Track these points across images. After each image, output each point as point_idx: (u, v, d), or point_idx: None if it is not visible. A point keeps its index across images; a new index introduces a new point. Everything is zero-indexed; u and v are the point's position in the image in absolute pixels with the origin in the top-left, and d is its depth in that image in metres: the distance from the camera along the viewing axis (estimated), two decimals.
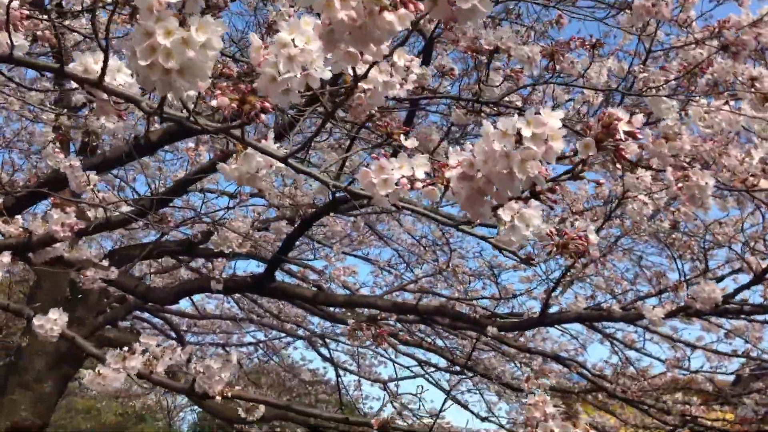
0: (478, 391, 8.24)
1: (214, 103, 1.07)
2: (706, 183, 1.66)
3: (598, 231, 3.52)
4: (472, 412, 7.43)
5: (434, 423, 2.06)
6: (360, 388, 9.91)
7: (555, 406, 2.15)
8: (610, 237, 4.62)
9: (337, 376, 8.17)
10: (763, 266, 2.83)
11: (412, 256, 6.23)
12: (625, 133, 0.92)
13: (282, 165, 1.32)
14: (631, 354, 6.52)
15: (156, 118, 1.15)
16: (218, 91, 1.08)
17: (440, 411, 2.38)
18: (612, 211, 3.37)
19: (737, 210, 3.87)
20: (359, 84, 1.24)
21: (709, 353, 5.91)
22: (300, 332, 8.66)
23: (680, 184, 1.67)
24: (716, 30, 2.55)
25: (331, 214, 4.49)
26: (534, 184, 0.99)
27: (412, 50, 4.99)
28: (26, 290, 7.73)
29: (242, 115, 1.09)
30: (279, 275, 6.66)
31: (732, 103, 2.25)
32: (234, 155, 1.35)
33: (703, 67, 2.27)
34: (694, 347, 5.40)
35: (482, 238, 1.26)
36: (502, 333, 4.35)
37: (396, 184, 1.10)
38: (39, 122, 4.51)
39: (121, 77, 1.18)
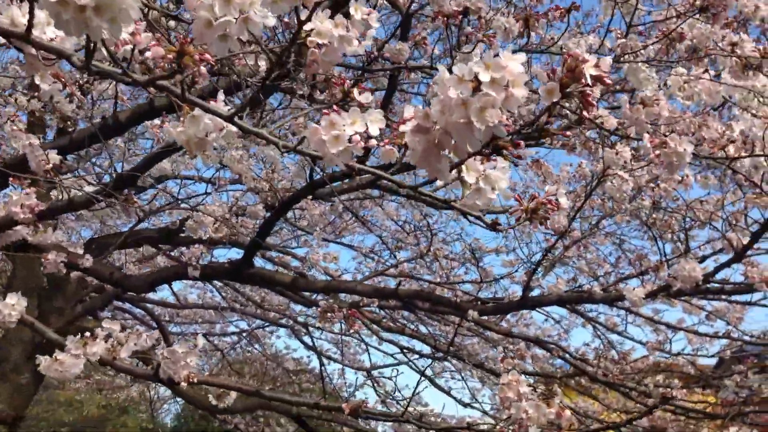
0: (462, 378, 8.17)
1: (148, 54, 0.98)
2: (684, 149, 1.58)
3: (578, 212, 3.45)
4: (455, 399, 7.38)
5: (407, 405, 1.97)
6: (344, 376, 9.84)
7: (533, 388, 2.08)
8: (591, 218, 4.55)
9: (321, 364, 8.08)
10: (744, 243, 2.77)
11: (395, 242, 6.14)
12: (593, 77, 0.83)
13: (233, 128, 1.23)
14: (614, 338, 6.50)
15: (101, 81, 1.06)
16: (153, 42, 0.98)
17: (414, 393, 2.30)
18: (593, 189, 3.30)
19: (719, 192, 3.83)
20: (314, 40, 1.15)
21: (691, 335, 5.89)
22: (283, 321, 8.57)
23: (657, 152, 1.59)
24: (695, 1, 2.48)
25: (310, 198, 4.38)
26: (495, 137, 0.90)
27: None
28: (4, 281, 7.59)
29: (180, 67, 0.99)
30: (260, 262, 6.58)
31: (712, 73, 2.17)
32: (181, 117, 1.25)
33: (682, 31, 2.19)
34: (675, 329, 5.37)
35: (445, 202, 1.17)
36: (483, 317, 4.28)
37: (348, 141, 1.01)
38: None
39: (51, 31, 1.08)
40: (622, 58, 2.25)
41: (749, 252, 2.94)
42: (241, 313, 8.49)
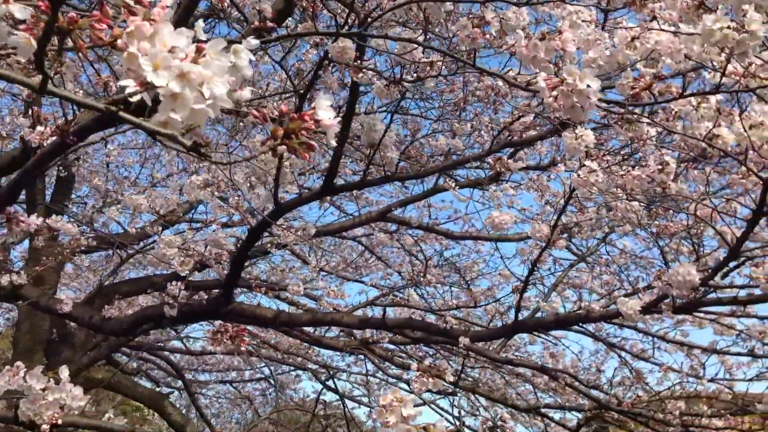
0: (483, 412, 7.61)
1: None
2: (588, 86, 1.18)
3: (558, 218, 3.02)
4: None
5: None
6: (372, 417, 9.35)
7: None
8: (594, 232, 4.09)
9: (344, 406, 7.65)
10: (738, 236, 2.29)
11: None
12: None
13: None
14: (644, 366, 5.92)
15: None
16: None
17: None
18: (569, 198, 2.88)
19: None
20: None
21: (725, 358, 5.30)
22: (308, 365, 8.21)
23: (555, 92, 1.19)
24: None
25: (283, 226, 4.04)
26: None
27: None
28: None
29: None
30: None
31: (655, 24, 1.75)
32: None
33: None
34: (706, 351, 4.80)
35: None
36: (476, 344, 3.82)
37: None
38: None
39: None
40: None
41: (750, 248, 2.47)
42: (261, 358, 8.12)
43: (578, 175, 2.38)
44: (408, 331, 4.09)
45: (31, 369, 4.87)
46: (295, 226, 4.13)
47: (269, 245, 4.72)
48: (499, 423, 1.84)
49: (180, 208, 4.89)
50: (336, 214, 6.77)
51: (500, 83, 3.45)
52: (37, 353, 6.29)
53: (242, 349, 1.86)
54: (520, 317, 3.66)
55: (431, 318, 4.63)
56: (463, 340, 3.78)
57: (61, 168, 5.83)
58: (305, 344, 7.69)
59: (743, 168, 2.05)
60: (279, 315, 4.18)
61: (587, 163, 2.39)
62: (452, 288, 5.01)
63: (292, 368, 8.89)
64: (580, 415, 6.26)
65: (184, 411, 9.19)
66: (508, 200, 4.81)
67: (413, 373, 2.11)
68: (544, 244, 3.12)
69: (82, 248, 5.88)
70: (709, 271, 2.56)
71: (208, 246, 3.64)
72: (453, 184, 5.01)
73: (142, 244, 5.44)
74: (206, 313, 4.20)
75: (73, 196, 6.53)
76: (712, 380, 5.14)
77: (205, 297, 4.33)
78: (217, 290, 4.45)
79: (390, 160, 3.45)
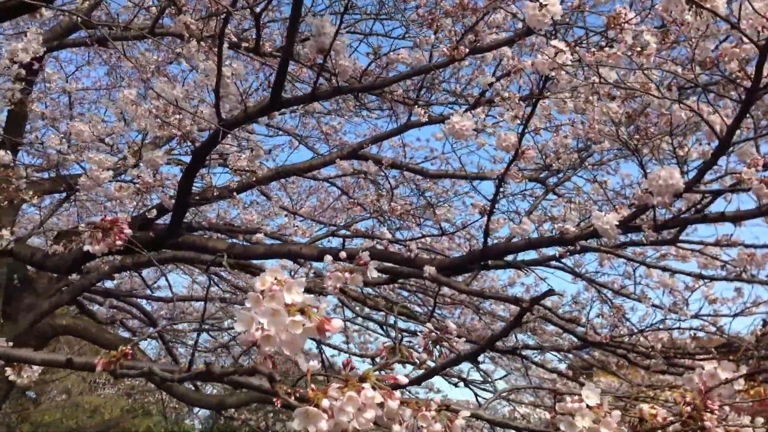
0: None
1: None
2: None
3: (525, 125, 2.64)
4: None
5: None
6: (352, 366, 9.12)
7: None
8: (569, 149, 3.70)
9: (320, 352, 7.38)
10: (729, 124, 1.92)
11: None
12: None
13: None
14: (626, 305, 5.61)
15: None
16: None
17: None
18: (540, 93, 2.51)
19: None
20: None
21: (708, 293, 4.98)
22: None
23: None
24: None
25: (230, 145, 3.66)
26: None
27: None
28: None
29: None
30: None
31: None
32: None
33: None
34: (690, 275, 4.45)
35: None
36: (443, 276, 3.48)
37: None
38: None
39: None
40: None
41: (741, 140, 2.10)
42: (234, 303, 7.79)
43: (544, 57, 1.99)
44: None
45: None
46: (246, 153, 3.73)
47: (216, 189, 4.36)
48: (445, 335, 1.52)
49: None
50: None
51: None
52: None
53: (118, 243, 1.49)
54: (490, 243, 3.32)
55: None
56: (429, 269, 3.44)
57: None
58: None
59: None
60: (233, 247, 3.83)
61: (554, 42, 2.00)
62: (422, 221, 4.64)
63: None
64: (559, 356, 5.99)
65: (160, 359, 8.95)
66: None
67: (329, 266, 1.76)
68: (511, 156, 2.75)
69: (42, 189, 5.52)
70: (696, 171, 2.19)
71: (145, 167, 3.25)
72: (423, 113, 4.63)
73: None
74: (154, 245, 3.85)
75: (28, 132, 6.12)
76: (695, 316, 4.84)
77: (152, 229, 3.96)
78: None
79: (343, 68, 3.05)
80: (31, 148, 5.08)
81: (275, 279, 0.93)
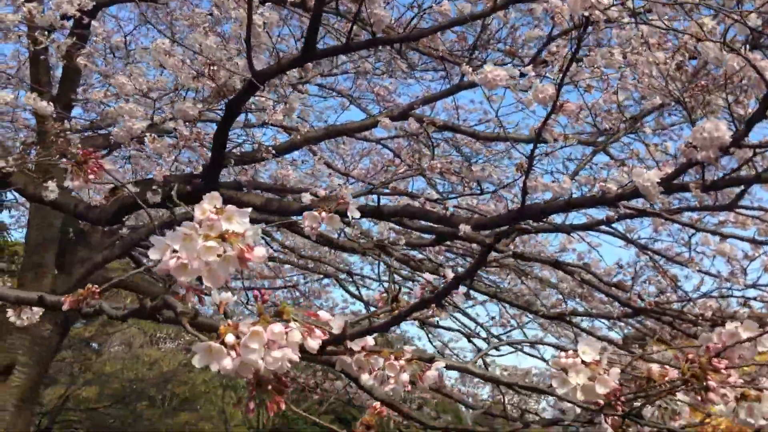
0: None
1: None
2: None
3: (567, 69, 2.48)
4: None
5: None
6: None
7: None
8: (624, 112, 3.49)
9: (369, 314, 7.37)
10: None
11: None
12: None
13: None
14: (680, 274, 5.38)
15: None
16: None
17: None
18: (583, 31, 2.35)
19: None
20: None
21: None
22: (329, 271, 7.89)
23: None
24: None
25: (262, 95, 3.59)
26: None
27: None
28: None
29: None
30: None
31: None
32: None
33: None
34: (747, 241, 4.14)
35: None
36: (480, 234, 3.37)
37: None
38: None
39: None
40: None
41: None
42: (282, 262, 7.82)
43: None
44: (407, 221, 3.65)
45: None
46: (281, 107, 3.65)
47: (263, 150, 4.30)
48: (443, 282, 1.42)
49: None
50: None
51: None
52: (49, 250, 6.10)
53: (90, 177, 1.43)
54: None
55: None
56: (464, 228, 3.33)
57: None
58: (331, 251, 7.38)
59: None
60: (269, 202, 3.79)
61: None
62: (462, 178, 4.49)
63: (319, 276, 8.61)
64: (608, 322, 5.80)
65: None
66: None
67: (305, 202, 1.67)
68: (549, 109, 2.59)
69: (94, 144, 5.60)
70: (744, 124, 2.01)
71: (176, 118, 3.22)
72: (470, 70, 4.45)
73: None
74: (191, 199, 3.84)
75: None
76: (752, 285, 4.59)
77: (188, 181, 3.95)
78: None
79: (378, 18, 2.93)
80: (78, 103, 5.13)
81: (215, 207, 0.84)
